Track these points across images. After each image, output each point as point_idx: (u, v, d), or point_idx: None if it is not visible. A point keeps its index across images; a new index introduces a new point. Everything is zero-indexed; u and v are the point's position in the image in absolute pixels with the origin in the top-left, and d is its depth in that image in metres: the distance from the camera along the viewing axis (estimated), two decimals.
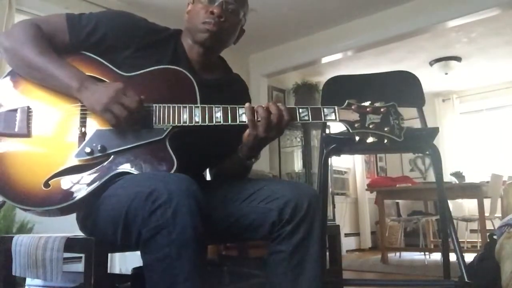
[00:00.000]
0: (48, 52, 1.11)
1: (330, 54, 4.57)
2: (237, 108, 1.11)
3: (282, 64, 4.85)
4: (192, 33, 1.25)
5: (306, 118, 1.13)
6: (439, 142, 5.68)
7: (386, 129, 1.12)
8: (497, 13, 3.76)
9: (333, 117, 1.13)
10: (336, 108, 1.14)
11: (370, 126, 1.12)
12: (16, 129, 1.09)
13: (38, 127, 1.11)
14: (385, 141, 1.11)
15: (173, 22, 1.36)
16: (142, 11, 3.62)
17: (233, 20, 1.26)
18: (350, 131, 1.13)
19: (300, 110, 1.13)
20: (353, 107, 1.14)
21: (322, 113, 1.13)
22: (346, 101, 1.15)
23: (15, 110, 1.11)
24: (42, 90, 1.13)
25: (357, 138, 1.11)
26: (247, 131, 1.13)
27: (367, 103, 1.15)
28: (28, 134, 1.09)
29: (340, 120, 1.13)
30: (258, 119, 1.10)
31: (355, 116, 1.14)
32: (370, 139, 1.11)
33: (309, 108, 1.14)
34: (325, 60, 4.71)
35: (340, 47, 4.47)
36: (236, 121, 1.11)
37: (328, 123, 2.11)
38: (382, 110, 1.13)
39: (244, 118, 1.11)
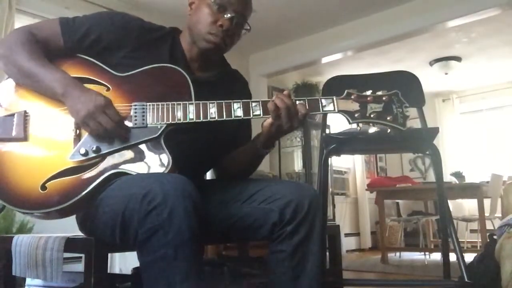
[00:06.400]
0: (38, 57, 1.12)
1: (330, 54, 4.57)
2: (231, 103, 1.10)
3: (282, 64, 4.85)
4: (195, 37, 1.23)
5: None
6: (439, 142, 5.68)
7: (388, 118, 1.07)
8: (497, 13, 3.77)
9: (331, 107, 1.10)
10: (334, 98, 1.10)
11: (371, 116, 1.08)
12: (13, 133, 1.09)
13: (35, 131, 1.11)
14: (388, 130, 1.08)
15: (173, 22, 1.35)
16: (142, 11, 3.62)
17: (238, 33, 1.25)
18: (350, 121, 1.09)
19: (297, 102, 1.11)
20: (352, 96, 1.11)
21: (320, 104, 1.11)
22: (345, 91, 1.11)
23: (12, 115, 1.11)
24: (37, 94, 1.13)
25: (358, 128, 1.08)
26: (269, 121, 1.12)
27: (368, 92, 1.10)
28: (25, 138, 1.10)
29: (339, 111, 1.10)
30: (280, 111, 1.08)
31: (355, 106, 1.10)
32: (372, 129, 1.08)
33: (306, 100, 1.11)
34: (325, 60, 4.71)
35: (340, 47, 4.47)
36: (231, 116, 1.09)
37: (328, 123, 2.10)
38: (384, 98, 1.09)
39: (239, 113, 1.10)
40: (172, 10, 3.42)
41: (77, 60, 1.17)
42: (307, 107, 1.10)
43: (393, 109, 1.09)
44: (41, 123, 1.12)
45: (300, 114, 1.09)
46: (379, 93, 1.10)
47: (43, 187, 1.04)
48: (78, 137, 1.09)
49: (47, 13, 3.19)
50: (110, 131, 1.06)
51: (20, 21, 3.13)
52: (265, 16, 3.95)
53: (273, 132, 1.15)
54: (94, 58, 1.17)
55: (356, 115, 1.09)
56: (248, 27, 1.26)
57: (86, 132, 1.08)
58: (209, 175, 1.49)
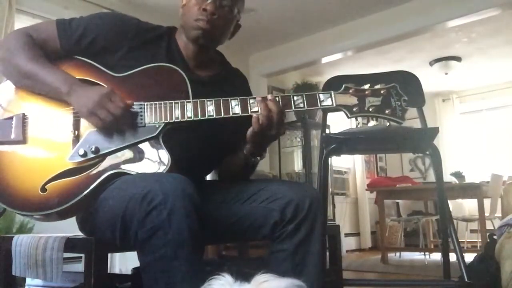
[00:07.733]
0: (38, 59, 1.12)
1: (330, 54, 4.57)
2: (229, 100, 1.10)
3: (282, 64, 4.85)
4: (186, 30, 1.23)
5: (301, 105, 1.09)
6: (439, 142, 5.67)
7: (387, 111, 1.07)
8: (497, 13, 3.77)
9: (329, 102, 1.09)
10: (332, 93, 1.10)
11: (370, 110, 1.08)
12: (12, 136, 1.10)
13: (34, 133, 1.11)
14: (388, 124, 1.07)
15: (173, 22, 1.35)
16: (142, 11, 3.62)
17: (227, 17, 1.23)
18: (349, 116, 1.09)
19: (295, 97, 1.10)
20: (351, 91, 1.10)
21: (318, 99, 1.10)
22: (343, 85, 1.10)
23: (11, 118, 1.11)
24: (36, 96, 1.13)
25: (357, 122, 1.07)
26: (251, 129, 1.11)
27: (366, 86, 1.10)
28: (24, 141, 1.10)
29: (337, 105, 1.09)
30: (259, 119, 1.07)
31: (353, 100, 1.09)
32: (371, 123, 1.07)
33: (304, 95, 1.10)
34: (325, 60, 4.71)
35: (340, 47, 4.47)
36: (229, 114, 1.09)
37: (328, 123, 2.10)
38: (382, 92, 1.09)
39: (237, 110, 1.09)
40: (172, 9, 3.42)
41: (75, 62, 1.17)
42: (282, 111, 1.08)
43: (391, 102, 1.08)
44: (39, 125, 1.12)
45: (278, 116, 1.07)
46: (377, 86, 1.10)
47: (43, 189, 1.04)
48: (76, 138, 1.09)
49: (47, 13, 3.20)
50: (119, 117, 1.06)
51: (20, 21, 3.13)
52: (265, 16, 3.95)
53: (252, 138, 1.13)
54: (91, 59, 1.17)
55: (354, 109, 1.09)
56: (237, 10, 1.24)
57: (94, 125, 1.07)
58: (209, 176, 1.49)
